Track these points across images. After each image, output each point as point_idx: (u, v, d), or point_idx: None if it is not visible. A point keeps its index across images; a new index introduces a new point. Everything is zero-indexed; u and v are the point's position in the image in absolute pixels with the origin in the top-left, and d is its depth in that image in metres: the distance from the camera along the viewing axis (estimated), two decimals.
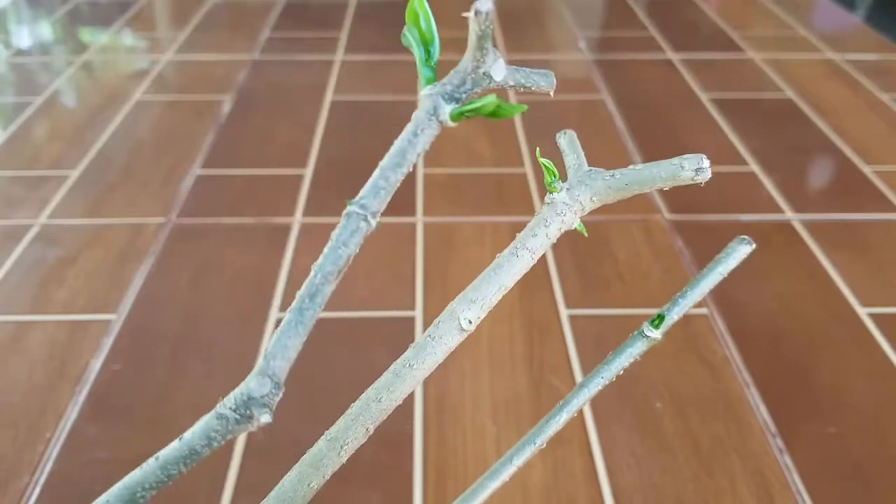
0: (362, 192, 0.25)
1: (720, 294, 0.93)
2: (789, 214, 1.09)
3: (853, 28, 1.82)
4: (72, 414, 0.77)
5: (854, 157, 1.24)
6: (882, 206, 1.11)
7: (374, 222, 0.26)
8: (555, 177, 0.25)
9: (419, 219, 1.07)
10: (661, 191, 1.14)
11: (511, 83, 0.24)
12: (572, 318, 0.89)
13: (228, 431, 0.26)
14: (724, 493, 0.69)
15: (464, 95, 0.24)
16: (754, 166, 1.21)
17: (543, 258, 0.99)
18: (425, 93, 0.24)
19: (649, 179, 0.23)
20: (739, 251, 0.28)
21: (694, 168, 0.22)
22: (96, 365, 0.82)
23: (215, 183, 1.17)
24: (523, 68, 0.25)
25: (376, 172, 0.25)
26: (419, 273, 0.97)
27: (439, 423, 0.76)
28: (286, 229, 1.05)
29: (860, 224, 1.07)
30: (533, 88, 0.24)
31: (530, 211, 1.09)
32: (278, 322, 0.89)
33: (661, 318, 0.29)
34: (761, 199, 1.13)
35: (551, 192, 0.24)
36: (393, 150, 0.25)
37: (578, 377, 0.81)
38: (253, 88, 1.47)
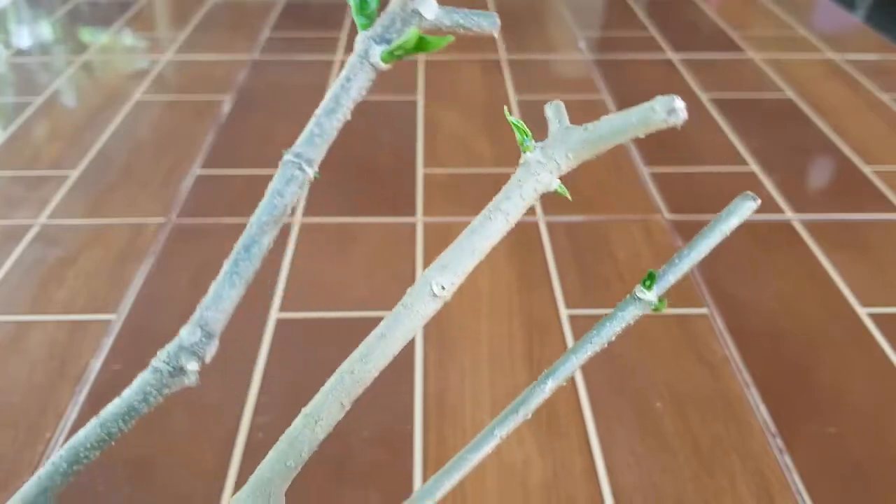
0: (298, 141, 0.25)
1: (720, 294, 0.93)
2: (789, 214, 1.09)
3: (853, 28, 1.82)
4: (72, 414, 0.77)
5: (854, 157, 1.24)
6: (882, 206, 1.11)
7: (310, 171, 0.25)
8: (527, 136, 0.24)
9: (419, 219, 1.07)
10: (661, 190, 1.14)
11: (447, 23, 0.23)
12: (572, 318, 0.89)
13: (163, 385, 0.26)
14: (724, 493, 0.69)
15: (394, 36, 0.23)
16: (754, 166, 1.21)
17: (543, 258, 0.99)
18: (358, 38, 0.24)
19: (622, 128, 0.21)
20: (743, 208, 0.27)
21: (666, 110, 0.21)
22: (96, 365, 0.82)
23: (215, 183, 1.17)
24: (463, 9, 0.24)
25: (311, 121, 0.25)
26: (419, 273, 0.97)
27: (439, 422, 0.76)
28: (286, 229, 1.05)
29: (860, 224, 1.07)
30: (474, 29, 0.23)
31: (531, 211, 1.09)
32: (279, 322, 0.89)
33: (652, 277, 0.28)
34: (761, 198, 1.12)
35: (525, 152, 0.24)
36: (327, 96, 0.25)
37: (578, 376, 0.81)
38: (253, 88, 1.47)
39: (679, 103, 0.20)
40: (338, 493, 0.68)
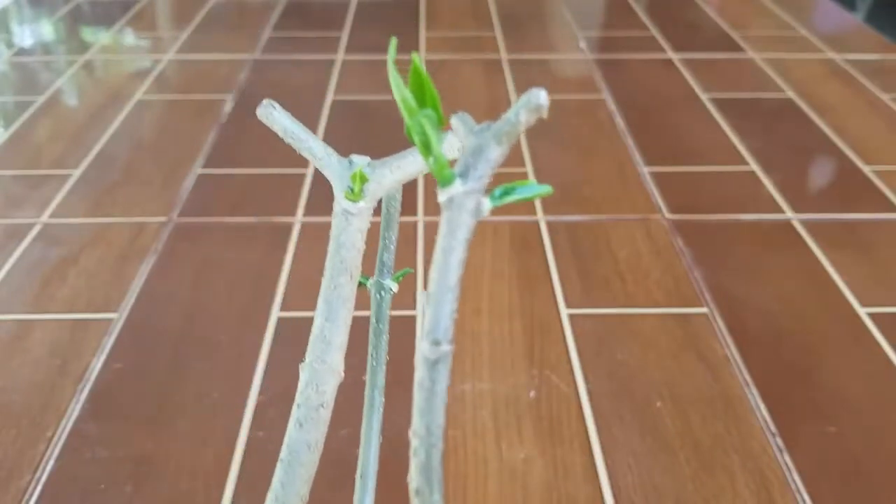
0: (434, 327, 0.20)
1: (720, 293, 0.93)
2: (789, 214, 1.09)
3: (853, 28, 1.82)
4: (73, 413, 0.77)
5: (854, 157, 1.24)
6: (882, 206, 1.11)
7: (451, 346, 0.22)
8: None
9: (420, 218, 1.07)
10: (661, 190, 1.14)
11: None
12: (572, 318, 0.89)
13: None
14: (724, 493, 0.69)
15: (479, 178, 0.21)
16: (754, 166, 1.21)
17: (543, 257, 0.99)
18: (452, 192, 0.20)
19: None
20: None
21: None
22: (98, 364, 0.83)
23: (216, 182, 1.17)
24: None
25: (445, 296, 0.21)
26: (419, 273, 0.97)
27: None
28: (287, 229, 1.05)
29: (860, 224, 1.07)
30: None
31: (531, 211, 1.09)
32: (279, 321, 0.89)
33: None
34: (761, 199, 1.13)
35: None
36: (452, 264, 0.21)
37: (579, 376, 0.81)
38: (254, 88, 1.47)
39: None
40: (338, 496, 0.68)
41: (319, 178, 1.17)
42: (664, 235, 1.04)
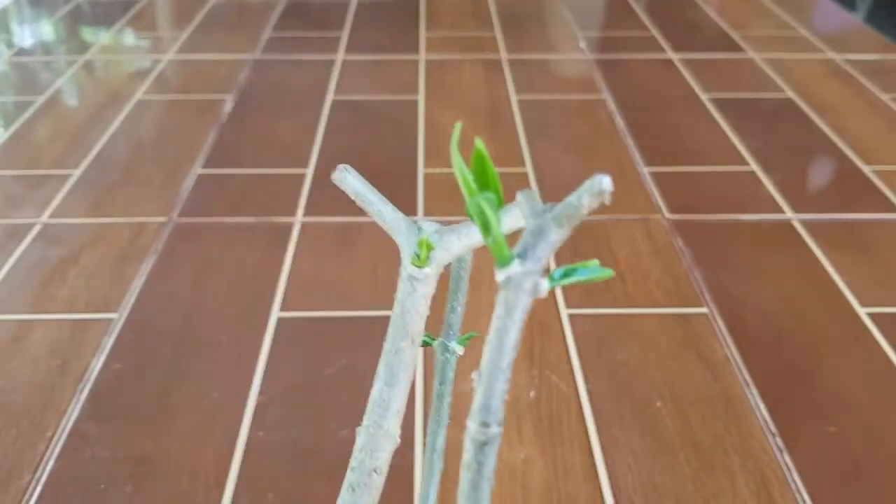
0: (486, 404, 0.21)
1: (720, 293, 0.93)
2: (789, 214, 1.09)
3: (853, 28, 1.82)
4: (73, 412, 0.77)
5: (854, 157, 1.24)
6: (882, 206, 1.11)
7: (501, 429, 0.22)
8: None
9: (420, 218, 1.07)
10: (661, 190, 1.14)
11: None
12: (572, 318, 0.89)
13: None
14: (724, 493, 0.69)
15: (538, 259, 0.21)
16: (754, 166, 1.21)
17: None
18: (518, 271, 0.20)
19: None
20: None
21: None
22: (97, 364, 0.83)
23: (216, 182, 1.17)
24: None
25: (497, 377, 0.21)
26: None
27: None
28: (287, 229, 1.05)
29: (860, 224, 1.07)
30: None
31: None
32: (279, 321, 0.89)
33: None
34: (761, 199, 1.13)
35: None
36: (507, 344, 0.22)
37: (578, 376, 0.81)
38: (254, 88, 1.47)
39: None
40: (337, 494, 0.68)
41: (319, 179, 1.17)
42: (664, 235, 1.04)
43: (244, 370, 0.82)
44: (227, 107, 1.40)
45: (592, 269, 0.23)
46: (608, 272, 0.22)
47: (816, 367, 0.83)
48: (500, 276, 0.21)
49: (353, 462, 0.29)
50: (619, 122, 1.35)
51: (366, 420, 0.28)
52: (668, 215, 1.09)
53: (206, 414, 0.77)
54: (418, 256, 0.27)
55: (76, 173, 1.19)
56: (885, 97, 1.44)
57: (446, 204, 1.11)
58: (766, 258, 1.00)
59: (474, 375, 0.21)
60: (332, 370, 0.82)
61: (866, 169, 1.20)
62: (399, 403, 0.28)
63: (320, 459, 0.72)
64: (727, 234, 1.05)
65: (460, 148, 0.23)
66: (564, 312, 0.90)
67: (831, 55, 1.63)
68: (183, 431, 0.75)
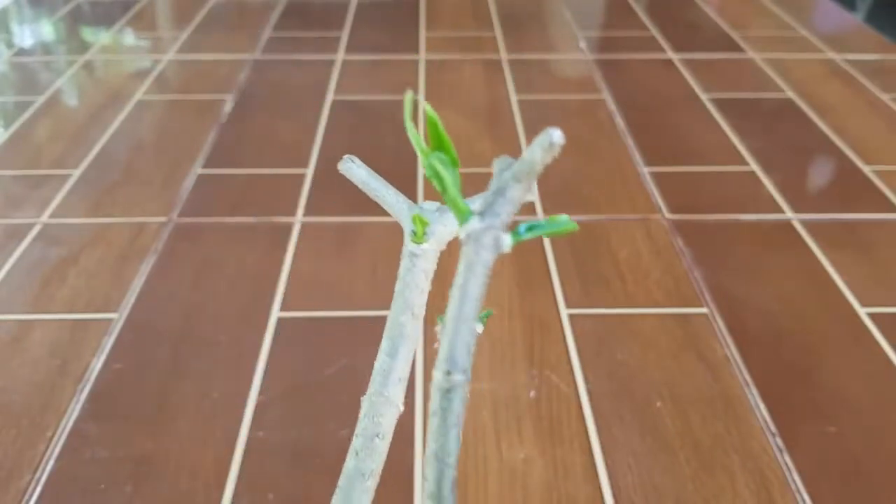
0: (455, 357, 0.21)
1: (720, 293, 0.93)
2: (789, 214, 1.09)
3: (853, 28, 1.82)
4: (73, 413, 0.77)
5: (854, 157, 1.24)
6: (882, 206, 1.11)
7: (467, 377, 0.22)
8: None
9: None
10: (661, 190, 1.14)
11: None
12: (572, 318, 0.89)
13: None
14: (724, 493, 0.69)
15: (502, 213, 0.22)
16: (754, 166, 1.21)
17: (543, 257, 0.99)
18: (477, 227, 0.21)
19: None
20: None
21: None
22: (97, 364, 0.83)
23: (216, 182, 1.17)
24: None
25: (460, 329, 0.21)
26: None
27: None
28: (287, 229, 1.05)
29: (860, 224, 1.07)
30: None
31: (531, 211, 1.09)
32: (279, 321, 0.89)
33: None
34: (761, 199, 1.13)
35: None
36: (469, 298, 0.21)
37: (578, 376, 0.81)
38: (254, 88, 1.47)
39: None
40: None
41: (319, 178, 1.17)
42: (664, 235, 1.04)
43: (244, 370, 0.82)
44: (227, 107, 1.40)
45: (557, 222, 0.23)
46: (573, 225, 0.23)
47: (816, 367, 0.83)
48: (462, 233, 0.21)
49: (357, 429, 0.30)
50: (619, 122, 1.35)
51: (369, 389, 0.30)
52: (668, 215, 1.09)
53: (206, 414, 0.77)
54: (415, 233, 0.27)
55: (76, 173, 1.19)
56: (885, 97, 1.44)
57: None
58: (766, 258, 1.00)
59: (438, 328, 0.22)
60: (332, 370, 0.82)
61: (866, 169, 1.20)
62: (400, 373, 0.29)
63: (320, 459, 0.72)
64: (727, 234, 1.05)
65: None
66: (564, 312, 0.90)
67: (831, 55, 1.63)
68: (183, 431, 0.75)
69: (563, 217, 0.24)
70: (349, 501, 0.30)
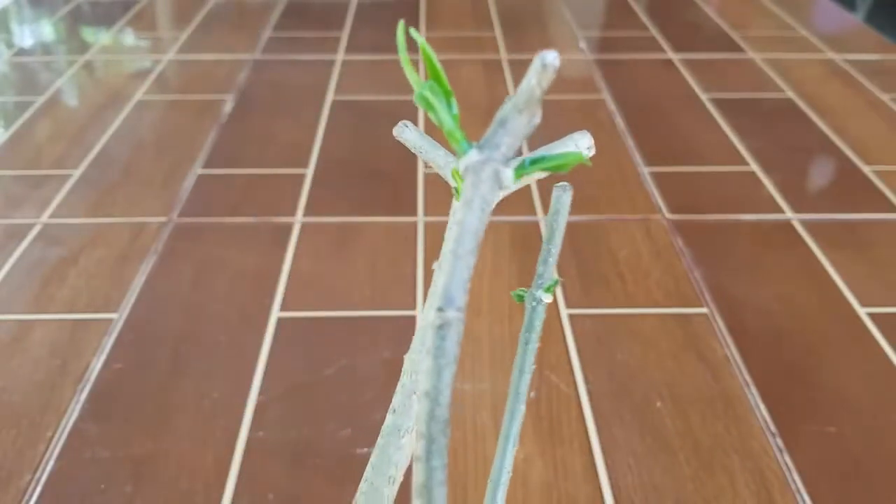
0: (450, 293, 0.20)
1: (720, 294, 0.93)
2: (789, 214, 1.09)
3: (853, 28, 1.82)
4: (73, 413, 0.77)
5: (854, 157, 1.24)
6: (882, 206, 1.11)
7: (462, 315, 0.21)
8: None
9: (420, 218, 1.07)
10: (661, 190, 1.14)
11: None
12: (572, 318, 0.89)
13: None
14: (724, 493, 0.69)
15: (504, 145, 0.21)
16: (754, 166, 1.21)
17: None
18: (476, 159, 0.20)
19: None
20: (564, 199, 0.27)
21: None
22: (98, 364, 0.83)
23: (216, 182, 1.17)
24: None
25: (457, 265, 0.20)
26: (420, 273, 0.97)
27: None
28: (287, 229, 1.05)
29: (860, 224, 1.07)
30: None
31: (531, 211, 1.09)
32: (279, 321, 0.89)
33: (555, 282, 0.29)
34: (761, 199, 1.13)
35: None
36: (466, 233, 0.20)
37: (578, 376, 0.81)
38: (254, 88, 1.47)
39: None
40: (338, 494, 0.68)
41: (319, 178, 1.17)
42: (664, 235, 1.04)
43: (244, 370, 0.82)
44: (227, 107, 1.40)
45: (564, 155, 0.23)
46: (579, 156, 0.23)
47: (816, 367, 0.83)
48: (460, 165, 0.20)
49: (398, 387, 0.30)
50: (619, 122, 1.35)
51: (411, 347, 0.30)
52: (668, 215, 1.09)
53: (206, 414, 0.77)
54: (456, 191, 0.27)
55: (76, 173, 1.19)
56: (885, 97, 1.44)
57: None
58: (765, 258, 1.00)
59: (435, 265, 0.21)
60: (331, 370, 0.82)
61: (866, 169, 1.20)
62: None
63: (320, 459, 0.72)
64: (727, 234, 1.05)
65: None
66: (564, 312, 0.90)
67: (831, 55, 1.63)
68: (183, 431, 0.75)
69: (574, 154, 0.23)
70: (385, 457, 0.31)
